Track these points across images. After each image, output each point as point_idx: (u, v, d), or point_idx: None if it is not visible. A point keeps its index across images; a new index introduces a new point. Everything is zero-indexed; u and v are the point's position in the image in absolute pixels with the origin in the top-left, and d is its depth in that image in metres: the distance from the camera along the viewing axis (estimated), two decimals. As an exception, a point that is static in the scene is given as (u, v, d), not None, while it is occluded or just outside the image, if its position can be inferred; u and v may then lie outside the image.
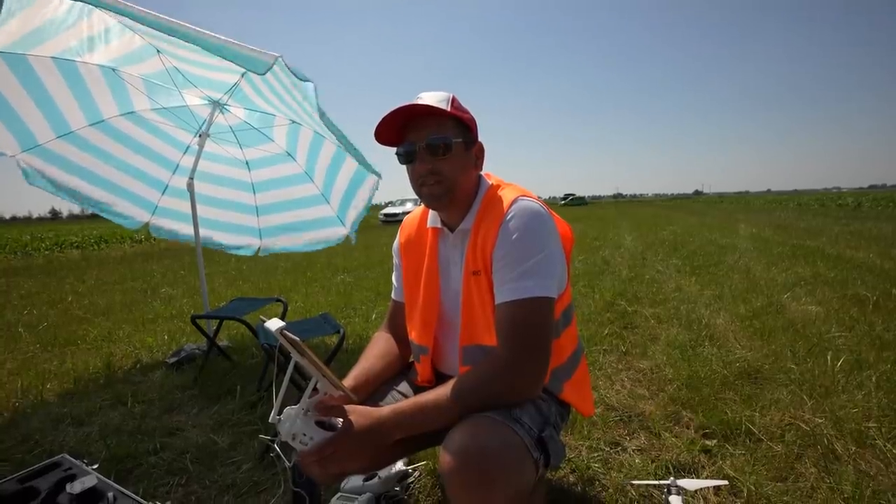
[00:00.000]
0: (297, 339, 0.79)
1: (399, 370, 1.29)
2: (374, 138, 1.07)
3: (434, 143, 1.02)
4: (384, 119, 1.02)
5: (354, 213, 3.36)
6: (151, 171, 3.28)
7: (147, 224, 3.36)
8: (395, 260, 1.32)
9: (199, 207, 3.10)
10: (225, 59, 1.95)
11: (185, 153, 3.35)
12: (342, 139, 2.45)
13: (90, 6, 2.12)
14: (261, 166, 3.54)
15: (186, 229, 3.41)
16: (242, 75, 2.62)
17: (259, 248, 3.66)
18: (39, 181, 2.76)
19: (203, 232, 3.34)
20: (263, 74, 2.04)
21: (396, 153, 1.08)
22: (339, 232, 3.53)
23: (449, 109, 1.03)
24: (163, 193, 3.36)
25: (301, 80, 2.22)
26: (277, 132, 3.38)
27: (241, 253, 3.67)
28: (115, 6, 1.86)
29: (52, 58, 2.47)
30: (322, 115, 2.22)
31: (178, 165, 3.35)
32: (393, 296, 1.34)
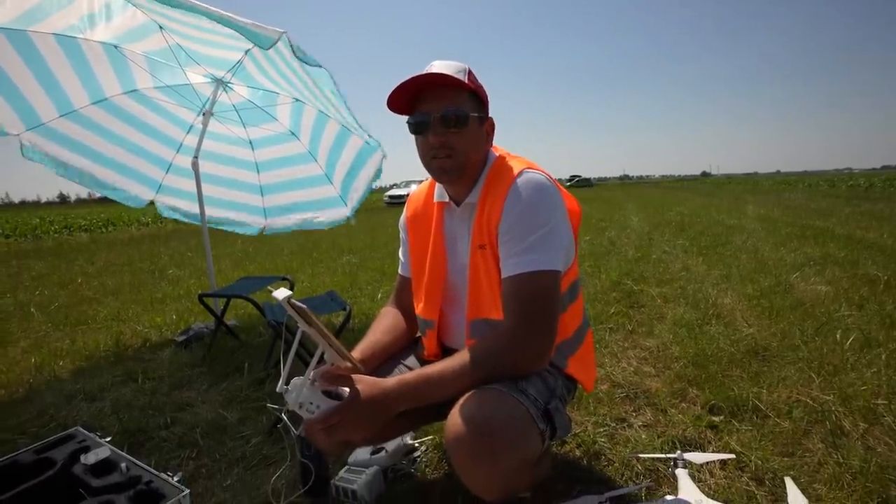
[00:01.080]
0: (304, 307, 0.78)
1: (406, 344, 1.29)
2: (385, 105, 1.03)
3: (450, 115, 0.99)
4: (400, 86, 0.98)
5: (356, 193, 3.35)
6: (155, 149, 3.26)
7: (152, 202, 3.36)
8: (402, 235, 1.31)
9: (203, 186, 3.09)
10: (232, 30, 1.93)
11: (188, 132, 3.33)
12: (353, 118, 2.46)
13: None
14: (265, 145, 3.51)
15: (191, 207, 3.41)
16: (246, 52, 2.58)
17: (264, 228, 3.66)
18: (38, 157, 2.73)
19: (208, 211, 3.35)
20: (268, 49, 2.01)
21: (408, 122, 1.05)
22: (342, 213, 3.53)
23: (466, 81, 1.00)
24: (167, 172, 3.35)
25: (312, 65, 2.18)
26: (281, 111, 3.34)
27: (246, 232, 3.68)
28: None
29: (55, 34, 2.44)
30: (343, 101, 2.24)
31: (181, 144, 3.33)
32: (399, 270, 1.33)
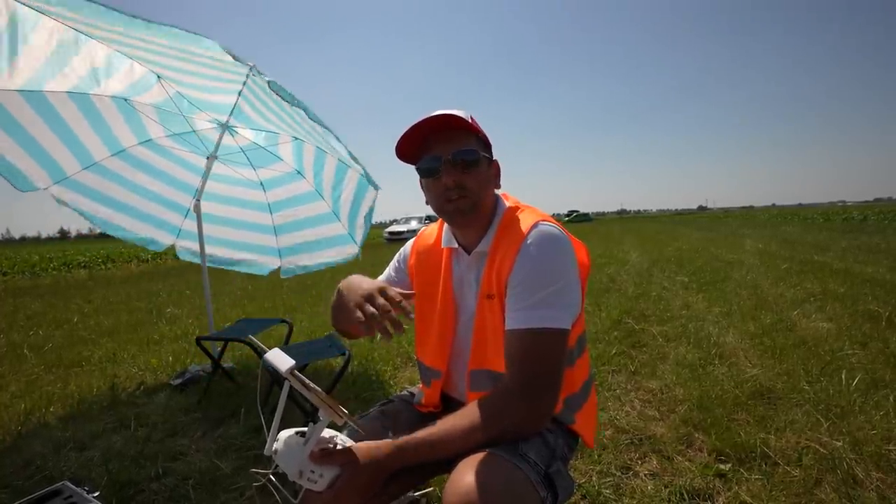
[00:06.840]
0: (305, 378, 0.78)
1: None
2: (395, 154, 1.04)
3: (461, 155, 1.00)
4: (409, 132, 1.00)
5: (360, 229, 3.40)
6: (172, 196, 3.37)
7: (172, 246, 3.44)
8: (401, 263, 1.29)
9: (218, 229, 3.18)
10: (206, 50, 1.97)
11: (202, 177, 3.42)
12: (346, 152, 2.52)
13: (82, 34, 2.16)
14: (275, 186, 3.59)
15: (210, 250, 3.44)
16: (238, 94, 2.68)
17: (280, 268, 3.69)
18: (68, 207, 2.86)
19: (221, 252, 3.42)
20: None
21: (419, 167, 1.05)
22: (351, 250, 3.59)
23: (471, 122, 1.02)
24: (185, 217, 3.44)
25: (288, 101, 2.26)
26: (283, 150, 3.43)
27: (258, 272, 3.68)
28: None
29: (68, 92, 2.53)
30: (323, 126, 2.30)
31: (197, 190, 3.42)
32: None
